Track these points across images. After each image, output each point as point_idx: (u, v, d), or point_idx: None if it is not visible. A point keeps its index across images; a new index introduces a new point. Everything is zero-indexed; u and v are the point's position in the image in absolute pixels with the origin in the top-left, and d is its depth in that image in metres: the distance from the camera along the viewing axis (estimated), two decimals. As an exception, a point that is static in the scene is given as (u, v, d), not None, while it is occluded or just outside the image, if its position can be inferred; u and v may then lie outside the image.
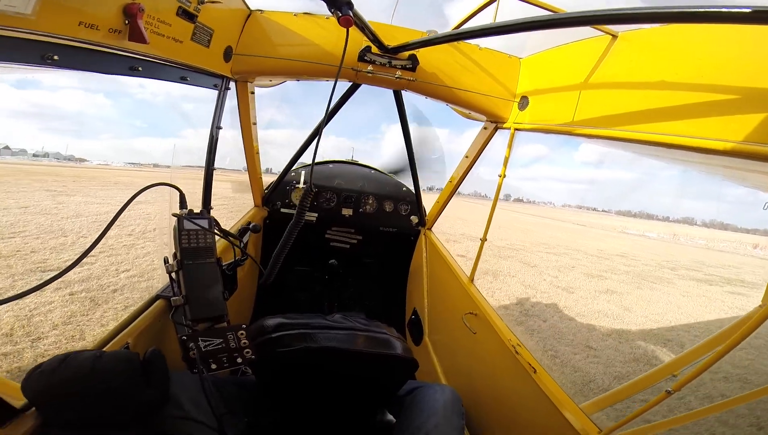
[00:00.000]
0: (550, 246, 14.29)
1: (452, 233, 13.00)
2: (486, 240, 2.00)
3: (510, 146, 1.89)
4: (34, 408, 0.82)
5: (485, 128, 2.16)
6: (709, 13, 0.72)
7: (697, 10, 0.74)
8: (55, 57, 0.95)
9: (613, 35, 1.36)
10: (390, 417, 1.32)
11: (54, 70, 0.97)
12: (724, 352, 0.97)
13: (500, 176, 1.92)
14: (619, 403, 1.57)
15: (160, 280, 1.44)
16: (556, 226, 27.14)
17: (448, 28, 1.58)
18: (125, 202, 1.01)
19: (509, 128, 1.90)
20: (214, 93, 1.81)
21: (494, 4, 1.57)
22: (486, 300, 1.89)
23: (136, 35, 1.04)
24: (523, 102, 1.84)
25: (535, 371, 1.41)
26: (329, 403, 1.24)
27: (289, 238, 1.48)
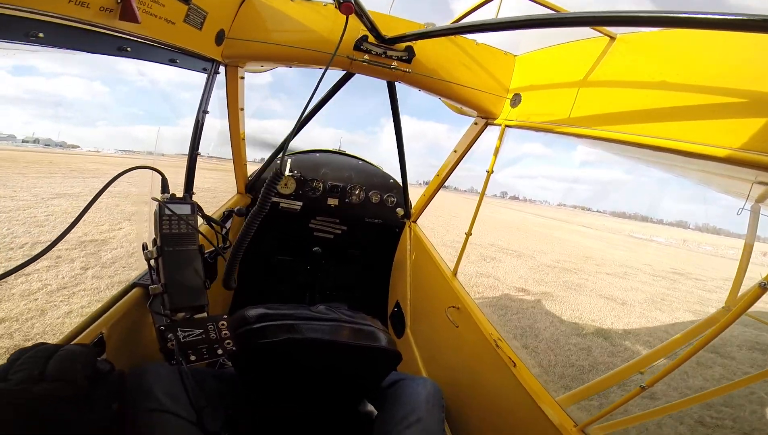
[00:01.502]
0: (599, 262, 12.40)
1: (480, 243, 11.30)
2: (471, 234, 2.02)
3: (500, 141, 1.90)
4: None
5: (476, 124, 2.16)
6: (707, 20, 0.73)
7: (696, 16, 0.75)
8: (40, 34, 0.92)
9: (611, 37, 1.36)
10: (371, 408, 1.33)
11: (38, 48, 0.95)
12: (694, 353, 1.00)
13: (488, 172, 1.93)
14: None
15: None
16: (567, 229, 25.90)
17: (448, 22, 1.58)
18: (105, 184, 0.98)
19: (500, 124, 1.90)
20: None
21: (496, 1, 1.56)
22: (468, 294, 1.91)
23: (129, 14, 1.02)
24: (516, 99, 1.84)
25: (514, 365, 1.44)
26: (311, 394, 1.23)
27: (248, 230, 1.25)
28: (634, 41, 1.31)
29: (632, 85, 1.27)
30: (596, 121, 1.37)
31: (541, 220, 29.46)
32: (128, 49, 1.23)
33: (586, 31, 1.43)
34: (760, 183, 1.59)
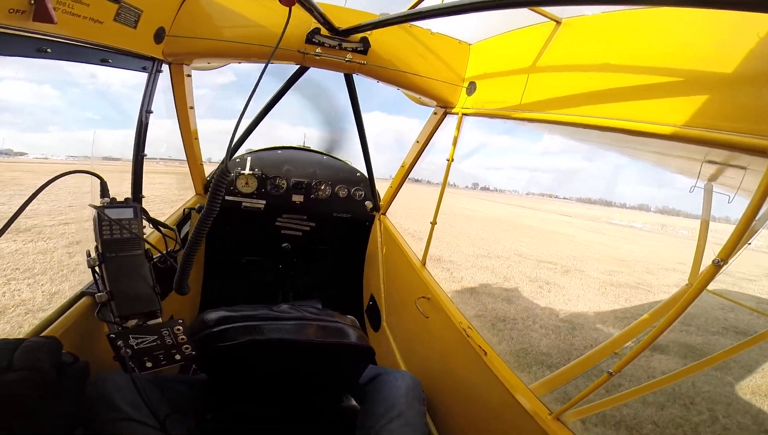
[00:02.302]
0: (648, 266, 10.68)
1: (504, 254, 9.56)
2: (436, 223, 2.04)
3: (458, 130, 1.91)
4: None
5: (435, 113, 2.17)
6: None
7: None
8: None
9: (557, 21, 1.38)
10: (354, 402, 1.30)
11: None
12: (659, 332, 1.01)
13: (448, 160, 1.94)
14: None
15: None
16: (554, 220, 24.24)
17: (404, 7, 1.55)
18: (36, 189, 0.94)
19: (457, 113, 1.91)
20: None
21: None
22: (438, 284, 1.92)
23: (43, 15, 0.95)
24: (471, 87, 1.86)
25: (486, 354, 1.44)
26: (284, 395, 1.21)
27: (199, 232, 1.14)
28: (578, 24, 1.34)
29: (578, 68, 1.30)
30: (547, 106, 1.39)
31: (524, 212, 28.55)
32: (48, 50, 1.14)
33: (535, 18, 1.45)
34: (710, 162, 1.67)
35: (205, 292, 2.68)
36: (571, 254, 11.09)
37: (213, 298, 2.65)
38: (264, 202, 2.57)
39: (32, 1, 0.92)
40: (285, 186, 2.63)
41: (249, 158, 2.53)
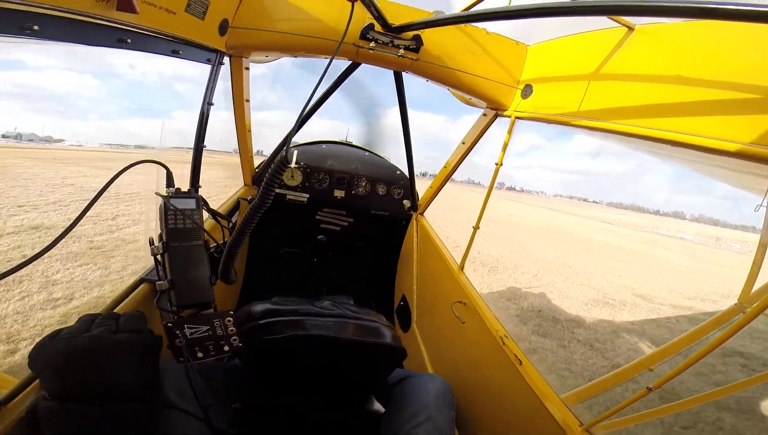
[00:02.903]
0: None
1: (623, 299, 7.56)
2: (479, 227, 2.00)
3: (510, 133, 1.86)
4: (19, 396, 0.80)
5: (485, 115, 2.12)
6: (729, 11, 0.70)
7: (718, 6, 0.71)
8: (35, 27, 0.88)
9: (629, 27, 1.32)
10: (378, 406, 1.31)
11: (34, 41, 0.91)
12: (706, 353, 0.98)
13: (497, 164, 1.90)
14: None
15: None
16: (602, 230, 23.20)
17: (456, 10, 1.53)
18: (109, 179, 0.97)
19: (510, 116, 1.86)
20: (205, 73, 1.74)
21: None
22: (475, 289, 1.90)
23: (126, 4, 0.98)
24: (527, 90, 1.80)
25: (521, 363, 1.43)
26: (317, 390, 1.23)
27: (248, 223, 1.13)
28: (653, 32, 1.27)
29: (648, 77, 1.24)
30: (609, 114, 1.34)
31: (565, 218, 27.14)
32: (128, 40, 1.19)
33: (604, 21, 1.38)
34: None
35: (246, 281, 2.74)
36: (680, 286, 9.68)
37: (253, 287, 2.72)
38: (307, 195, 2.60)
39: None
40: (328, 180, 2.66)
41: (295, 152, 2.56)
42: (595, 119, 1.39)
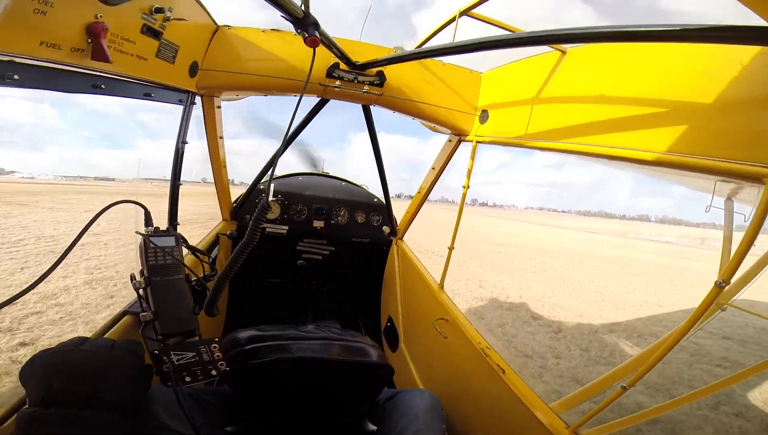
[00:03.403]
0: None
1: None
2: (453, 248, 2.07)
3: (473, 158, 1.96)
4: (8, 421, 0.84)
5: (450, 141, 2.24)
6: (642, 33, 0.79)
7: (635, 29, 0.80)
8: (15, 76, 0.93)
9: (562, 51, 1.46)
10: (370, 425, 1.33)
11: (14, 89, 0.94)
12: (668, 349, 1.05)
13: (464, 187, 1.99)
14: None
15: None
16: (588, 240, 22.78)
17: (415, 37, 1.65)
18: (89, 221, 1.00)
19: (471, 141, 1.98)
20: (169, 105, 1.76)
21: (454, 23, 1.64)
22: (456, 306, 1.96)
23: (99, 54, 1.03)
24: (484, 115, 1.94)
25: (504, 372, 1.47)
26: (307, 410, 1.24)
27: (236, 260, 1.23)
28: (581, 54, 1.42)
29: (580, 97, 1.37)
30: (551, 135, 1.46)
31: (551, 232, 26.51)
32: (102, 86, 1.23)
33: (544, 47, 1.52)
34: (722, 181, 1.71)
35: (230, 312, 2.72)
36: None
37: (237, 318, 2.69)
38: (287, 227, 2.63)
39: (89, 40, 1.01)
40: (306, 212, 2.70)
41: (272, 185, 2.62)
42: (541, 139, 1.51)
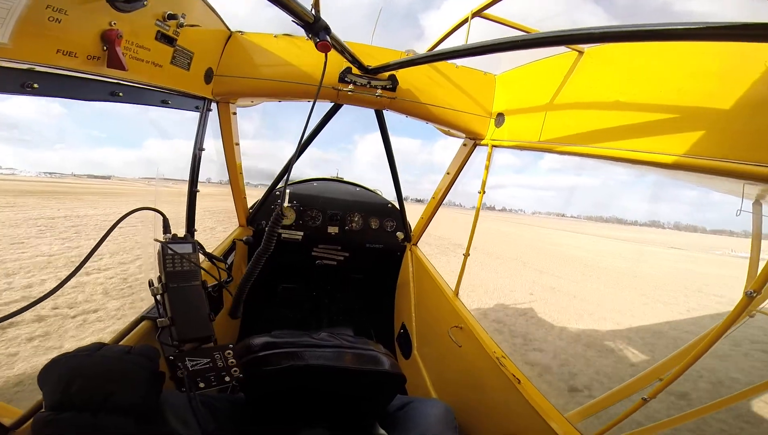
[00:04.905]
0: None
1: None
2: (468, 254, 2.04)
3: (489, 162, 1.93)
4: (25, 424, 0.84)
5: (464, 145, 2.21)
6: (664, 31, 0.76)
7: (656, 28, 0.77)
8: (35, 85, 0.94)
9: (579, 51, 1.43)
10: (382, 432, 1.31)
11: (35, 97, 0.95)
12: (693, 361, 1.01)
13: (480, 192, 1.95)
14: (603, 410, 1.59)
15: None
16: (636, 251, 20.28)
17: (424, 39, 1.64)
18: (109, 228, 1.02)
19: (487, 145, 1.94)
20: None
21: (466, 24, 1.62)
22: (471, 313, 1.92)
23: (114, 62, 1.04)
24: (500, 119, 1.90)
25: (519, 382, 1.44)
26: (319, 418, 1.23)
27: (255, 267, 1.35)
28: (598, 54, 1.38)
29: (597, 100, 1.33)
30: (569, 138, 1.42)
31: (586, 241, 24.46)
32: (120, 94, 1.24)
33: (560, 47, 1.47)
34: (750, 183, 1.65)
35: (245, 316, 2.73)
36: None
37: (252, 322, 2.70)
38: (302, 233, 2.65)
39: (104, 48, 1.01)
40: (321, 218, 2.72)
41: (288, 191, 2.61)
42: (557, 143, 1.48)
